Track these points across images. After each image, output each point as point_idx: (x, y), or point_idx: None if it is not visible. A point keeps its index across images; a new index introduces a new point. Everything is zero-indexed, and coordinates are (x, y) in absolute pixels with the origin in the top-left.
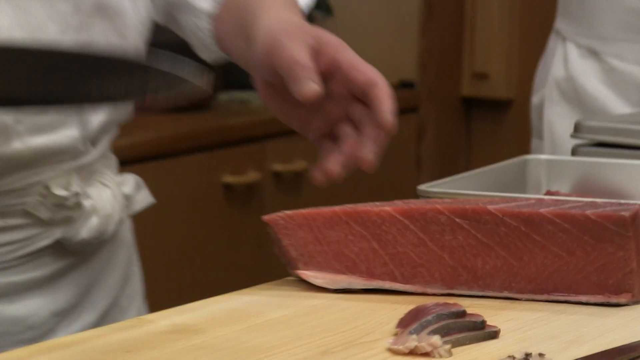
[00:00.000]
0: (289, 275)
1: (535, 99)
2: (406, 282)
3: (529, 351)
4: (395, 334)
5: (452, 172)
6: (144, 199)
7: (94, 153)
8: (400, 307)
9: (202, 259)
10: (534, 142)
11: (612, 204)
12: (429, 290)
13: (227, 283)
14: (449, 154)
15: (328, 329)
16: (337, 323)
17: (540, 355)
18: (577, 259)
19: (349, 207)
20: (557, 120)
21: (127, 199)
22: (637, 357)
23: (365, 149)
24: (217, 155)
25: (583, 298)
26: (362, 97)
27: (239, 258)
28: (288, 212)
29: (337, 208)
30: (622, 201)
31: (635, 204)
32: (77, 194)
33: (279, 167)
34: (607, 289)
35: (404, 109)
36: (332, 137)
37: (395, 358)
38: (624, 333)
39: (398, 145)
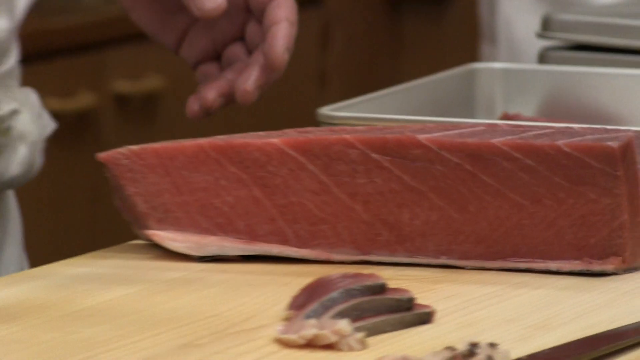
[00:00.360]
0: (137, 237)
1: None
2: (302, 246)
3: (475, 340)
4: (287, 319)
5: (371, 89)
6: (49, 121)
7: (12, 57)
8: (294, 280)
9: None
10: (485, 49)
11: (594, 131)
12: (335, 257)
13: (48, 249)
14: (367, 65)
15: (191, 313)
16: (205, 304)
17: (492, 345)
18: (546, 210)
19: (220, 139)
20: (516, 17)
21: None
22: (629, 346)
23: (248, 78)
24: (35, 71)
25: (553, 265)
26: (258, 15)
27: (65, 214)
28: (134, 147)
29: (203, 141)
30: (609, 127)
31: (627, 131)
32: (13, 112)
33: (123, 86)
34: (587, 251)
35: (303, 2)
36: (218, 60)
37: (287, 352)
38: (610, 313)
39: (294, 52)
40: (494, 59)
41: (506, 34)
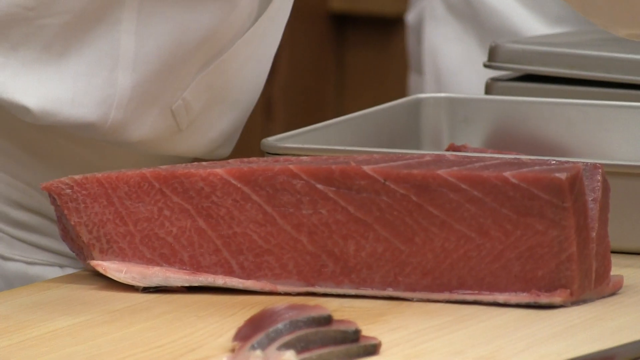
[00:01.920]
0: (80, 267)
1: (411, 17)
2: (247, 277)
3: None
4: (232, 350)
5: (316, 119)
6: None
7: None
8: (239, 311)
9: None
10: (413, 78)
11: (542, 163)
12: (280, 288)
13: None
14: (313, 94)
15: (136, 344)
16: (149, 335)
17: None
18: (493, 242)
19: (163, 169)
20: (442, 46)
21: None
22: None
23: None
24: None
25: (501, 297)
26: None
27: None
28: (77, 176)
29: (147, 171)
30: (557, 158)
31: (576, 163)
32: None
33: None
34: (535, 284)
35: None
36: None
37: None
38: (557, 346)
39: None
40: (421, 89)
41: (432, 64)
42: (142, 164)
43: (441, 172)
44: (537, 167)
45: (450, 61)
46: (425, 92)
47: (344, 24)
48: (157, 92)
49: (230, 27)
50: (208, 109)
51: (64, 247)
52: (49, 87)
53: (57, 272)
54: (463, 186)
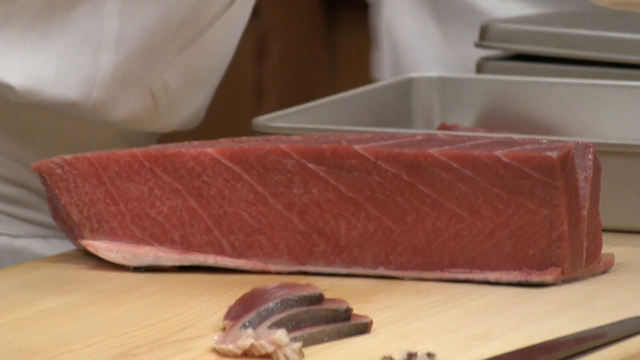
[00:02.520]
0: (71, 247)
1: None
2: (238, 256)
3: (413, 350)
4: (223, 329)
5: (308, 100)
6: None
7: None
8: (230, 291)
9: None
10: (375, 54)
11: (533, 142)
12: (271, 267)
13: None
14: (304, 76)
15: (127, 323)
16: (140, 314)
17: (430, 355)
18: (484, 221)
19: (154, 148)
20: (398, 20)
21: None
22: (567, 357)
23: None
24: None
25: (492, 276)
26: None
27: None
28: (67, 156)
29: (137, 150)
30: (548, 137)
31: (567, 142)
32: None
33: None
34: (526, 262)
35: None
36: None
37: None
38: (548, 324)
39: (231, 64)
40: (381, 63)
41: (389, 39)
42: (126, 140)
43: (432, 151)
44: (528, 146)
45: (405, 35)
46: (383, 66)
47: (335, 6)
48: (138, 73)
49: (210, 9)
50: (184, 90)
51: (47, 218)
52: (33, 66)
53: (41, 243)
54: (454, 165)
